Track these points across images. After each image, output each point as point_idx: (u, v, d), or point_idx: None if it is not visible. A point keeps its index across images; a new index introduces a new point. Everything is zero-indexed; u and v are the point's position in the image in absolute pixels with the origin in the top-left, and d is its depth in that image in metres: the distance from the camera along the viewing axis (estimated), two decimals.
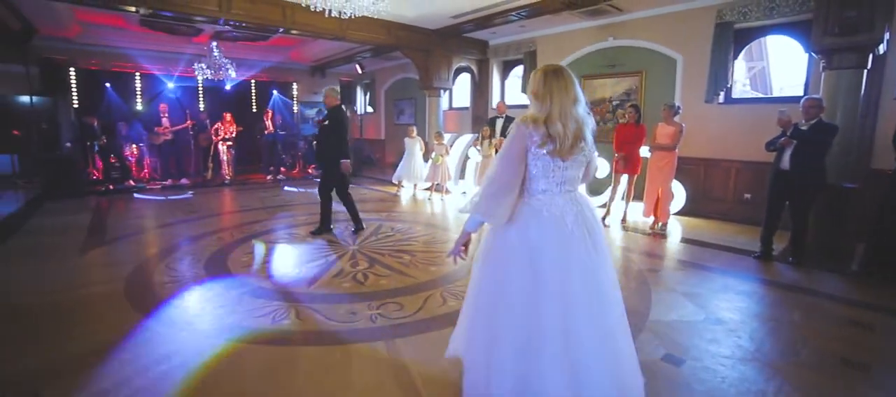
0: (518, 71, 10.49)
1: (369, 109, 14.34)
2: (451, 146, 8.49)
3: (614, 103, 8.33)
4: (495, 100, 10.63)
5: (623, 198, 6.57)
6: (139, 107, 10.61)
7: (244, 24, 7.44)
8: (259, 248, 4.84)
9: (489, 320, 1.92)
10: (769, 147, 4.64)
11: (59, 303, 3.38)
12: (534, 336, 1.83)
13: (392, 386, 2.30)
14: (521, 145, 1.85)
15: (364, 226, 5.62)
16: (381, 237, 5.35)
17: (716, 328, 3.05)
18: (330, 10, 5.15)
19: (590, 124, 1.93)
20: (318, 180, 5.58)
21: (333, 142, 5.17)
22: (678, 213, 6.70)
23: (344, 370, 2.43)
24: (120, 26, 9.65)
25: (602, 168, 7.54)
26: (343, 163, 5.20)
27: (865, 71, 4.61)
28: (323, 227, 5.43)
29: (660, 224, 5.98)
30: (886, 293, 3.73)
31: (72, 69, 9.63)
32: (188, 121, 9.92)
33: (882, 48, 4.74)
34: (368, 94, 14.33)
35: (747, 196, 6.69)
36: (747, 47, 7.07)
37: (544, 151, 1.83)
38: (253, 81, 12.12)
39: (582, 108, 1.89)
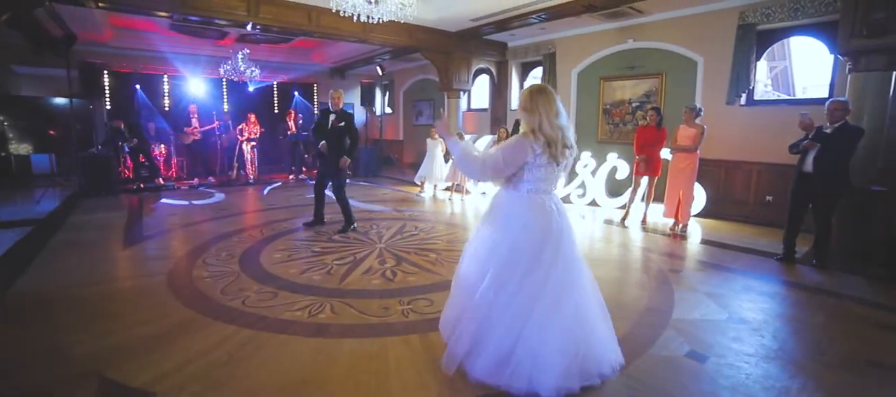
0: (537, 72, 10.56)
1: (388, 110, 14.54)
2: None
3: (634, 105, 8.36)
4: (514, 101, 10.73)
5: (642, 200, 6.61)
6: (167, 107, 10.95)
7: (271, 28, 7.68)
8: (289, 246, 5.01)
9: (513, 309, 2.24)
10: (792, 149, 4.66)
11: (108, 294, 3.59)
12: (534, 308, 2.22)
13: (429, 377, 2.42)
14: (523, 153, 2.25)
15: (355, 227, 5.70)
16: (405, 236, 5.50)
17: (739, 327, 3.11)
18: (358, 15, 5.27)
19: (571, 131, 2.34)
20: (315, 177, 5.80)
21: (345, 143, 5.45)
22: (698, 215, 6.72)
23: (382, 361, 2.57)
24: (150, 30, 10.01)
25: (622, 169, 7.60)
26: (342, 159, 5.41)
27: (895, 73, 4.59)
28: (319, 220, 5.76)
29: (680, 225, 6.01)
30: None
31: (105, 72, 10.00)
32: (216, 122, 10.23)
33: None
34: (387, 94, 14.52)
35: (769, 198, 6.68)
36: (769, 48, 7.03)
37: (545, 158, 2.24)
38: (274, 83, 12.39)
39: (563, 119, 2.28)
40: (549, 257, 2.26)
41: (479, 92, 11.56)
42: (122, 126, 9.04)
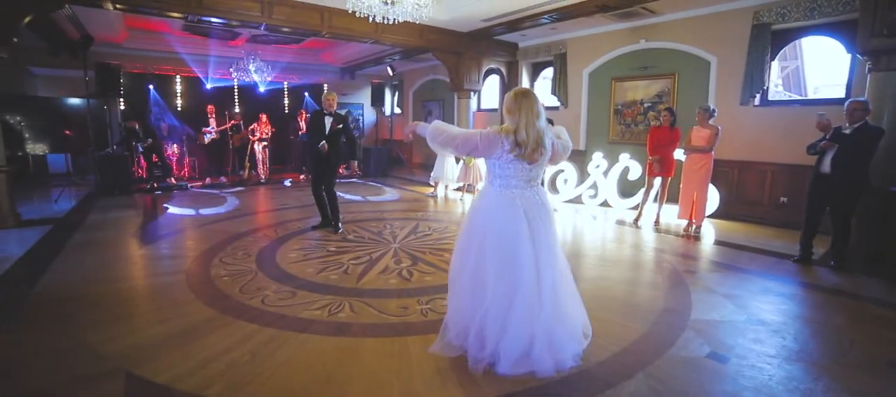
0: (547, 73, 10.54)
1: (397, 110, 14.57)
2: None
3: (646, 106, 8.32)
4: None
5: (655, 201, 6.58)
6: (179, 107, 11.06)
7: (284, 29, 7.74)
8: (303, 246, 5.05)
9: (474, 290, 2.53)
10: (810, 150, 4.62)
11: (129, 292, 3.65)
12: (509, 292, 2.46)
13: (451, 374, 2.44)
14: (491, 144, 2.46)
15: (341, 229, 5.68)
16: (419, 236, 5.52)
17: (758, 328, 3.10)
18: (373, 16, 5.30)
19: (549, 133, 2.55)
20: (311, 182, 5.82)
21: (344, 144, 5.52)
22: (711, 216, 6.67)
23: (404, 361, 2.58)
24: (164, 31, 10.13)
25: (634, 170, 7.57)
26: (352, 163, 5.57)
27: None
28: (326, 221, 5.78)
29: (694, 226, 5.98)
30: None
31: (120, 73, 10.12)
32: (230, 122, 10.32)
33: None
34: (397, 95, 14.56)
35: (783, 199, 6.63)
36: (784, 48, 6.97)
37: (513, 156, 2.45)
38: (285, 83, 12.47)
39: (542, 122, 2.47)
40: (520, 244, 2.46)
41: (489, 92, 11.56)
42: (137, 126, 9.15)
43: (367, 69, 13.56)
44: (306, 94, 12.63)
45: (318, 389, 2.32)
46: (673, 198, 6.70)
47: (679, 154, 6.44)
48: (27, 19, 5.52)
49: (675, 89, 7.88)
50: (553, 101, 9.74)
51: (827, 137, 4.43)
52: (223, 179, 10.21)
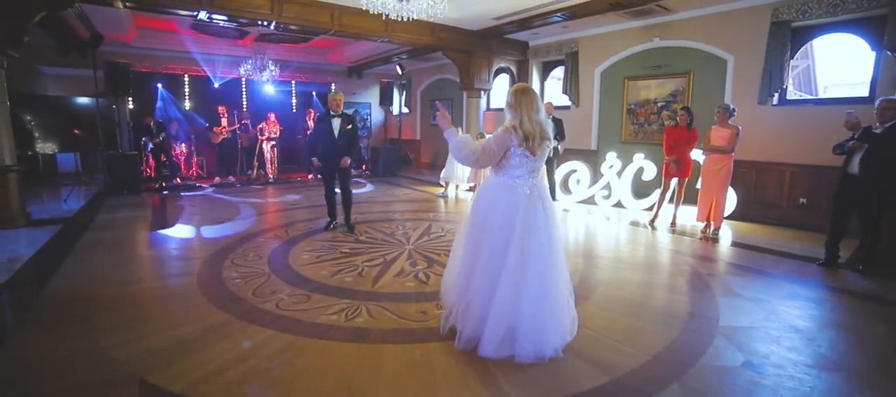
0: (558, 72, 10.42)
1: (405, 110, 14.47)
2: None
3: (659, 105, 8.19)
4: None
5: (670, 202, 6.45)
6: (187, 106, 11.01)
7: (293, 27, 7.66)
8: (316, 247, 4.97)
9: (468, 269, 2.70)
10: (837, 150, 4.48)
11: (141, 294, 3.57)
12: (496, 276, 2.58)
13: (476, 382, 2.34)
14: (504, 144, 2.61)
15: (353, 228, 5.61)
16: (433, 237, 5.43)
17: (792, 336, 2.98)
18: (387, 14, 5.22)
19: (549, 125, 2.69)
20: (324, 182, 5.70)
21: (352, 144, 5.45)
22: (728, 218, 6.53)
23: (427, 369, 2.49)
24: (172, 30, 10.09)
25: (649, 170, 7.44)
26: (343, 159, 5.39)
27: None
28: (333, 219, 5.74)
29: (712, 228, 5.85)
30: None
31: (130, 72, 10.10)
32: (239, 122, 10.26)
33: None
34: (404, 94, 14.46)
35: (803, 201, 6.48)
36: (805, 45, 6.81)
37: (522, 149, 2.59)
38: (293, 82, 12.41)
39: (542, 115, 2.64)
40: (515, 230, 2.58)
41: (499, 92, 11.44)
42: (152, 123, 9.11)
43: (374, 68, 13.49)
44: (314, 93, 12.56)
45: None
46: (690, 200, 6.57)
47: (696, 154, 6.32)
48: (39, 17, 5.47)
49: (689, 88, 7.75)
50: (564, 101, 9.62)
51: (856, 137, 4.29)
52: (231, 179, 10.17)
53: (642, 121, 8.47)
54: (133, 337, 2.83)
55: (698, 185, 6.68)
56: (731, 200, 6.51)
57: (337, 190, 5.65)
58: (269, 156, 10.43)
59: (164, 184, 9.10)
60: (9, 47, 5.38)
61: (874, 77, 5.82)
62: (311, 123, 11.15)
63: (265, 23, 7.33)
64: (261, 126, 10.35)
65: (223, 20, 7.32)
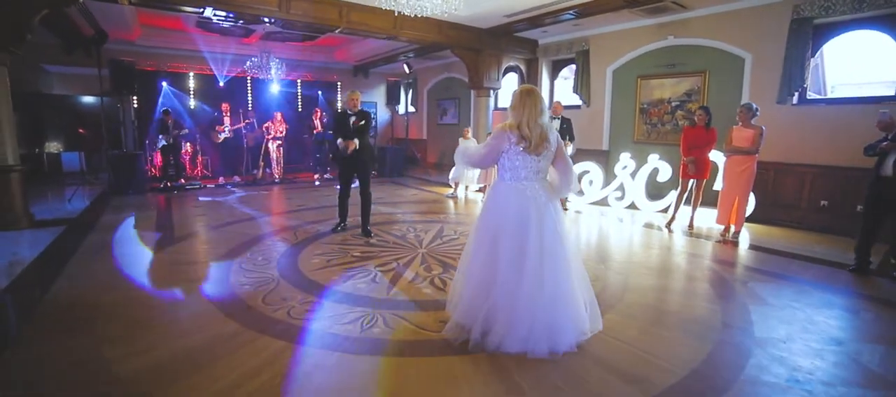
0: (568, 71, 10.25)
1: (412, 109, 14.33)
2: None
3: (673, 104, 8.02)
4: (546, 100, 10.43)
5: (686, 203, 6.28)
6: (192, 106, 10.88)
7: (300, 24, 7.52)
8: (326, 250, 4.82)
9: (486, 277, 2.68)
10: (869, 152, 4.29)
11: (146, 301, 3.43)
12: (518, 278, 2.59)
13: None
14: (500, 143, 2.66)
15: (370, 231, 5.41)
16: (445, 240, 5.27)
17: (834, 349, 2.80)
18: (399, 11, 5.07)
19: (553, 129, 2.73)
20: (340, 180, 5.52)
21: (366, 142, 5.34)
22: (747, 220, 6.34)
23: (453, 387, 2.32)
24: (177, 29, 9.97)
25: (664, 171, 7.26)
26: (349, 141, 5.20)
27: None
28: (343, 221, 5.62)
29: (732, 231, 5.67)
30: None
31: (133, 70, 9.98)
32: (245, 120, 10.11)
33: None
34: (411, 93, 14.32)
35: (824, 203, 6.30)
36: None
37: (520, 148, 2.61)
38: (298, 81, 12.28)
39: (545, 118, 2.65)
40: (529, 232, 2.60)
41: (508, 91, 11.25)
42: (170, 121, 8.98)
43: (381, 67, 13.33)
44: (320, 92, 12.43)
45: None
46: (707, 202, 6.40)
47: (714, 155, 6.15)
48: (41, 15, 5.34)
49: (705, 87, 7.57)
50: (575, 100, 9.44)
51: (890, 137, 4.11)
52: (237, 179, 10.03)
53: (655, 120, 8.29)
54: (138, 348, 2.68)
55: (716, 187, 6.55)
56: (750, 202, 6.32)
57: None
58: (274, 155, 10.29)
59: (169, 184, 8.98)
60: (11, 45, 5.26)
61: None
62: (317, 122, 11.00)
63: (272, 20, 7.19)
64: (266, 125, 10.21)
65: (229, 18, 7.17)
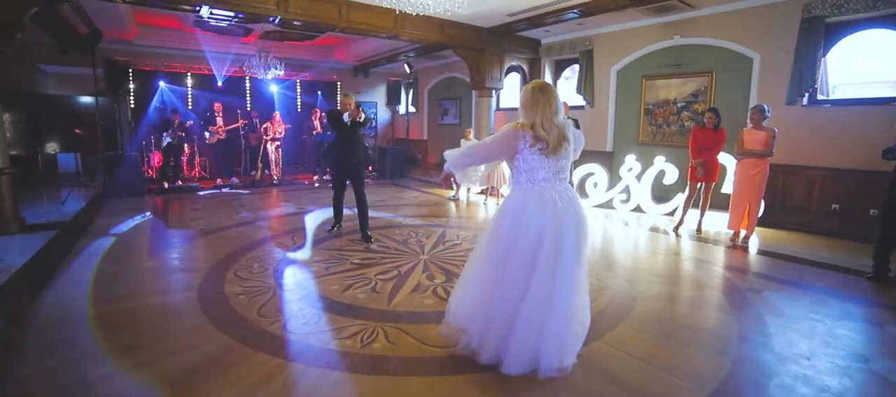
0: (571, 72, 10.09)
1: (412, 109, 14.18)
2: None
3: (679, 105, 7.86)
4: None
5: (694, 207, 6.13)
6: (190, 106, 10.72)
7: (299, 23, 7.36)
8: (324, 256, 4.67)
9: (491, 286, 2.46)
10: (888, 155, 4.13)
11: (136, 313, 3.26)
12: (523, 293, 2.37)
13: None
14: (512, 142, 2.40)
15: (370, 236, 5.25)
16: (448, 246, 5.11)
17: (862, 367, 2.65)
18: (401, 10, 4.91)
19: (570, 126, 2.48)
20: (336, 177, 5.46)
21: (360, 141, 5.26)
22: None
23: None
24: (174, 28, 9.81)
25: (670, 173, 7.11)
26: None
27: None
28: (339, 222, 5.60)
29: (742, 236, 5.52)
30: None
31: (130, 70, 9.83)
32: (240, 121, 9.94)
33: None
34: (411, 93, 14.18)
35: (835, 206, 6.15)
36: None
37: (537, 149, 2.37)
38: (298, 81, 12.12)
39: (560, 117, 2.41)
40: (544, 242, 2.35)
41: (510, 91, 11.10)
42: (177, 120, 8.83)
43: (381, 67, 13.17)
44: (319, 92, 12.27)
45: None
46: (715, 205, 6.25)
47: (722, 157, 6.00)
48: (32, 12, 5.19)
49: (712, 88, 7.41)
50: (578, 100, 9.29)
51: None
52: (234, 180, 9.87)
53: (661, 121, 8.14)
54: (126, 366, 2.53)
55: (724, 190, 6.41)
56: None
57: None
58: (273, 156, 10.13)
59: (166, 186, 8.83)
60: (1, 44, 5.10)
61: None
62: (316, 123, 10.85)
63: (271, 19, 7.03)
64: (265, 126, 10.06)
65: (227, 17, 7.02)
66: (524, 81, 10.35)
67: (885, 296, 3.82)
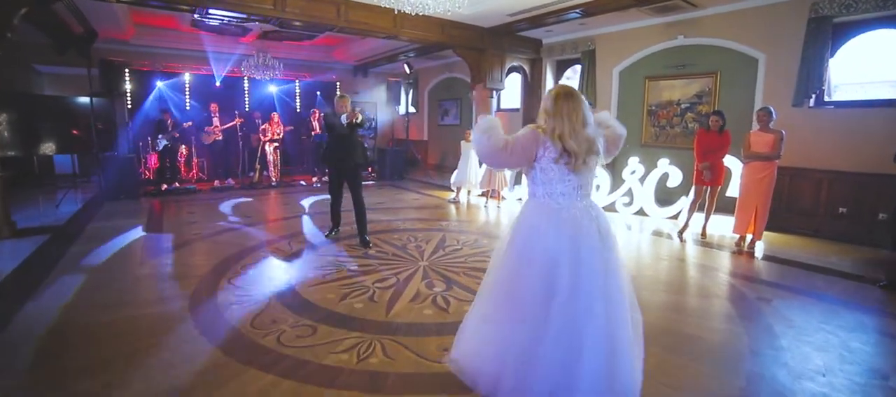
0: (572, 72, 9.98)
1: (412, 109, 14.06)
2: None
3: (683, 107, 7.75)
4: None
5: (699, 210, 6.02)
6: (187, 106, 10.61)
7: (297, 23, 7.24)
8: (321, 263, 4.56)
9: (501, 320, 2.12)
10: None
11: (124, 326, 3.14)
12: (540, 331, 2.00)
13: None
14: (533, 145, 2.07)
15: (368, 241, 5.13)
16: (448, 251, 5.00)
17: (881, 385, 2.54)
18: (400, 10, 4.80)
19: (600, 135, 2.15)
20: (333, 180, 5.33)
21: (357, 143, 5.14)
22: None
23: None
24: (172, 27, 9.71)
25: (674, 176, 7.00)
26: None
27: None
28: (337, 227, 5.51)
29: (747, 241, 5.40)
30: None
31: (127, 70, 9.71)
32: (237, 120, 9.80)
33: None
34: (411, 93, 14.06)
35: (842, 210, 6.03)
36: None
37: (559, 164, 2.05)
38: (296, 81, 12.01)
39: (591, 129, 2.08)
40: (561, 267, 2.01)
41: (510, 91, 10.99)
42: (169, 120, 8.71)
43: (381, 67, 13.06)
44: (318, 92, 12.15)
45: None
46: (722, 208, 6.14)
47: (727, 160, 5.90)
48: (22, 12, 5.07)
49: (716, 89, 7.30)
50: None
51: None
52: (231, 182, 9.75)
53: (664, 123, 8.03)
54: (115, 382, 2.41)
55: (729, 193, 6.30)
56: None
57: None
58: (271, 158, 10.02)
59: (163, 188, 8.71)
60: None
61: None
62: (315, 124, 10.73)
63: (268, 19, 6.92)
64: (263, 127, 9.94)
65: (224, 17, 6.90)
66: (525, 82, 10.24)
67: None
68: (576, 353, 1.98)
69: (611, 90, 8.70)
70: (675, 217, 6.80)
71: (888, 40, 5.97)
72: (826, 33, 5.96)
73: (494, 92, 9.65)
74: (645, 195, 7.17)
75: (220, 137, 9.73)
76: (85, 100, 8.34)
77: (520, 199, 8.02)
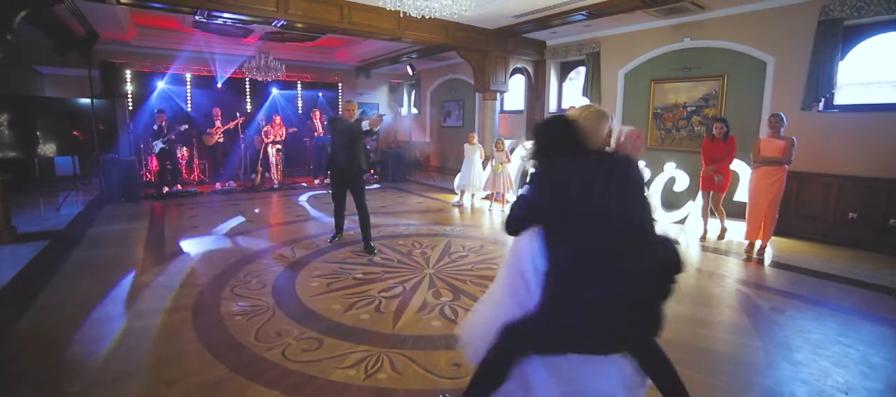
0: (576, 73, 9.89)
1: (414, 111, 13.99)
2: (511, 153, 8.00)
3: (689, 110, 7.66)
4: (553, 103, 10.09)
5: (701, 215, 5.96)
6: (188, 107, 10.54)
7: (299, 25, 7.17)
8: (326, 271, 4.49)
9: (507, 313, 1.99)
10: None
11: (125, 337, 3.08)
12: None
13: None
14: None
15: (373, 247, 5.07)
16: (454, 258, 4.92)
17: None
18: (404, 12, 4.72)
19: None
20: (336, 186, 5.28)
21: (361, 150, 5.08)
22: None
23: None
24: (173, 29, 9.62)
25: (681, 181, 6.92)
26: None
27: None
28: (340, 232, 5.48)
29: (757, 247, 5.33)
30: None
31: (128, 71, 9.64)
32: (238, 119, 9.71)
33: None
34: (414, 95, 13.98)
35: (852, 215, 5.95)
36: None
37: None
38: (299, 82, 11.93)
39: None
40: None
41: (514, 93, 10.90)
42: (164, 122, 8.64)
43: (382, 68, 12.98)
44: (320, 94, 12.08)
45: None
46: (731, 214, 6.06)
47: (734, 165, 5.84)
48: (21, 15, 5.00)
49: (723, 92, 7.21)
50: (584, 103, 9.08)
51: None
52: (232, 184, 9.67)
53: (670, 126, 7.95)
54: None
55: (737, 198, 6.22)
56: None
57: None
58: (273, 160, 9.94)
59: (165, 190, 8.65)
60: None
61: None
62: (317, 125, 10.65)
63: (271, 21, 6.84)
64: (265, 129, 9.87)
65: (225, 19, 6.83)
66: (529, 83, 10.16)
67: None
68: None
69: (616, 92, 8.62)
70: (682, 221, 6.73)
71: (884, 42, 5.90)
72: (836, 36, 5.88)
73: (498, 94, 9.58)
74: (651, 199, 7.08)
75: (222, 139, 9.65)
76: (86, 101, 8.27)
77: None
